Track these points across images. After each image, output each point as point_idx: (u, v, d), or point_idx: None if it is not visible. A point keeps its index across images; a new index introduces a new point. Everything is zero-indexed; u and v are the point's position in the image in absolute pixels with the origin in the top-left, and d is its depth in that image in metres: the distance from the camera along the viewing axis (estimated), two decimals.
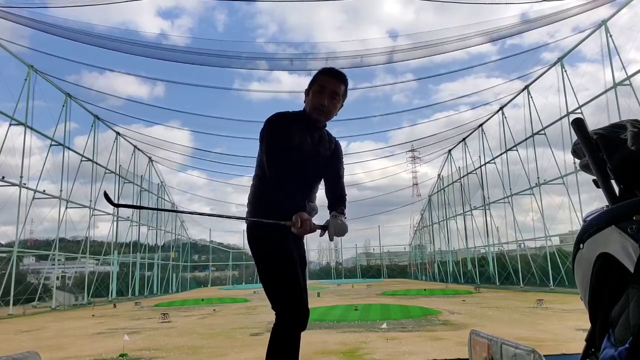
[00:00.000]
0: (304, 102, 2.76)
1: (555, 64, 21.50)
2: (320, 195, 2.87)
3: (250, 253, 2.76)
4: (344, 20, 57.34)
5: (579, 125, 1.02)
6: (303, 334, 2.59)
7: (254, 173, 2.73)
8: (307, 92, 2.72)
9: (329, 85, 2.65)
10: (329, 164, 2.82)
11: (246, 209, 2.73)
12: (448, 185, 37.43)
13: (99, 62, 22.18)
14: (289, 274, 2.54)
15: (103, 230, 29.31)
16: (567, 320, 10.73)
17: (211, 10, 65.16)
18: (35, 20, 15.17)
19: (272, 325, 2.54)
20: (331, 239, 2.59)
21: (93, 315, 16.80)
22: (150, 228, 35.51)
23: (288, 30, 54.39)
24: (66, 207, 22.99)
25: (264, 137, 2.60)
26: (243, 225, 2.94)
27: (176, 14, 67.94)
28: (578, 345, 1.25)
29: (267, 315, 13.29)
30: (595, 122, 17.59)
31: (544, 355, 1.88)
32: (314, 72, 2.78)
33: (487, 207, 30.62)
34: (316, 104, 2.64)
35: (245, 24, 58.91)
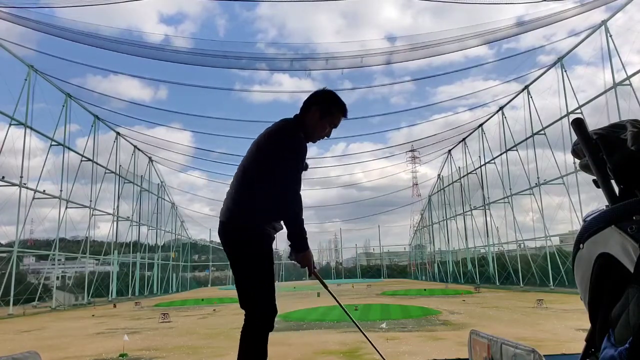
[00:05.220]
0: (307, 111, 2.74)
1: (555, 64, 21.49)
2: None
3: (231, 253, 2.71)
4: (342, 25, 57.39)
5: (578, 125, 1.02)
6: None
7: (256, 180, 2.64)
8: (319, 113, 2.72)
9: (338, 124, 2.84)
10: None
11: (242, 212, 2.65)
12: (448, 185, 37.42)
13: (103, 64, 22.18)
14: (272, 277, 2.64)
15: (103, 230, 29.34)
16: (567, 320, 10.72)
17: (212, 17, 65.48)
18: (41, 23, 15.20)
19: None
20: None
21: (93, 315, 16.80)
22: (150, 228, 35.49)
23: (288, 35, 54.55)
24: (66, 207, 22.99)
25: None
26: None
27: (178, 20, 68.24)
28: (578, 345, 1.25)
29: None
30: (594, 122, 17.55)
31: (544, 355, 1.88)
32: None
33: (487, 207, 30.62)
34: (322, 135, 2.80)
35: (246, 29, 59.03)
